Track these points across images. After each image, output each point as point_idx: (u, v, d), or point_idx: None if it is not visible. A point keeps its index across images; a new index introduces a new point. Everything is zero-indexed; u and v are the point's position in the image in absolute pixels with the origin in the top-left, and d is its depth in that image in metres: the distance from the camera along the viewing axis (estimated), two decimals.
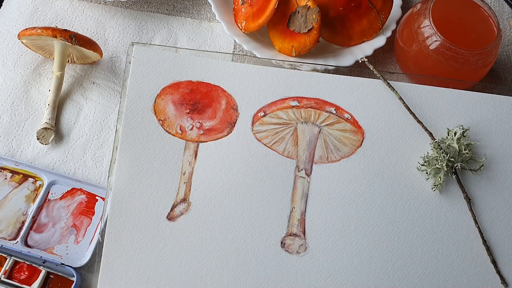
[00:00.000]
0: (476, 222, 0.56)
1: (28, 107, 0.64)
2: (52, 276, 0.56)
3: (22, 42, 0.64)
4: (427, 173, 0.57)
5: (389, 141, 0.58)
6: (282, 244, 0.54)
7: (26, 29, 0.62)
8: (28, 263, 0.55)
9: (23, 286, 0.55)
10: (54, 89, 0.62)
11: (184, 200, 0.55)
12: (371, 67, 0.61)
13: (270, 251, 0.54)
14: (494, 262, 0.56)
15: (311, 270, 0.54)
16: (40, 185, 0.59)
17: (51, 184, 0.59)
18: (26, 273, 0.55)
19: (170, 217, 0.54)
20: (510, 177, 0.58)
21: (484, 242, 0.56)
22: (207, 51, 0.62)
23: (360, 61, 0.64)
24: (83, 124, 0.63)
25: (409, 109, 0.59)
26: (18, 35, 0.63)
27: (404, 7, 0.71)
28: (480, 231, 0.56)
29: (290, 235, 0.54)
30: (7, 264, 0.55)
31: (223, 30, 0.68)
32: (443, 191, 0.57)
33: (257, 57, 0.64)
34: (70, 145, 0.62)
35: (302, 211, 0.55)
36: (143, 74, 0.58)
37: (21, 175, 0.59)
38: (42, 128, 0.61)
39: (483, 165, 0.58)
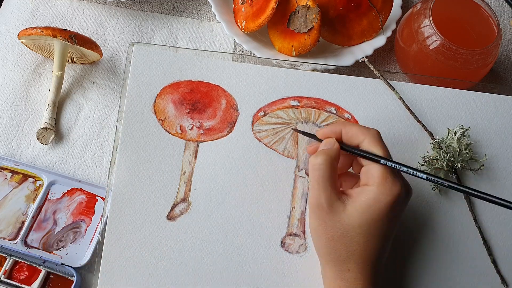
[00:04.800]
0: (476, 222, 0.56)
1: (28, 107, 0.64)
2: (52, 276, 0.56)
3: (22, 42, 0.64)
4: None
5: (389, 141, 0.58)
6: (282, 244, 0.54)
7: (26, 29, 0.62)
8: (28, 263, 0.55)
9: (23, 286, 0.55)
10: (54, 89, 0.62)
11: (184, 200, 0.55)
12: (371, 67, 0.61)
13: (270, 251, 0.54)
14: (494, 262, 0.55)
15: (311, 270, 0.53)
16: (40, 185, 0.59)
17: (51, 184, 0.59)
18: (26, 273, 0.55)
19: (170, 217, 0.54)
20: (510, 177, 0.58)
21: (484, 242, 0.56)
22: (207, 50, 0.62)
23: (360, 61, 0.64)
24: (83, 124, 0.63)
25: (409, 109, 0.59)
26: (18, 35, 0.63)
27: (404, 7, 0.71)
28: (480, 231, 0.56)
29: (290, 235, 0.54)
30: (7, 264, 0.55)
31: (223, 30, 0.68)
32: (443, 191, 0.57)
33: (257, 57, 0.64)
34: (70, 145, 0.62)
35: (302, 211, 0.55)
36: (143, 74, 0.58)
37: (21, 175, 0.59)
38: (42, 128, 0.61)
39: (483, 165, 0.58)
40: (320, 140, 0.51)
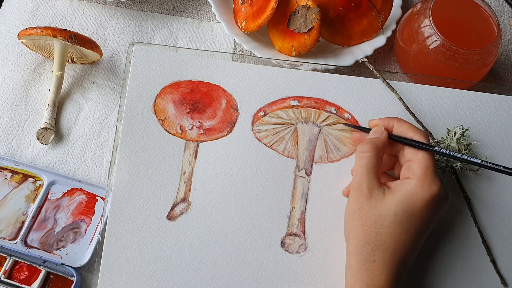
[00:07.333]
0: (476, 222, 0.56)
1: (28, 107, 0.64)
2: (52, 276, 0.56)
3: (22, 42, 0.64)
4: None
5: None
6: (282, 244, 0.54)
7: (26, 29, 0.62)
8: (28, 263, 0.55)
9: (23, 286, 0.55)
10: (54, 89, 0.62)
11: (184, 199, 0.55)
12: (371, 67, 0.61)
13: (270, 251, 0.54)
14: (494, 262, 0.56)
15: (311, 270, 0.54)
16: (40, 185, 0.59)
17: (51, 184, 0.59)
18: (26, 273, 0.55)
19: (170, 217, 0.54)
20: (510, 177, 0.58)
21: (484, 242, 0.56)
22: (207, 50, 0.62)
23: (360, 61, 0.64)
24: (83, 124, 0.63)
25: (408, 109, 0.59)
26: (18, 35, 0.63)
27: (404, 7, 0.71)
28: (480, 231, 0.56)
29: (290, 235, 0.54)
30: (7, 264, 0.55)
31: (223, 30, 0.68)
32: None
33: (257, 57, 0.64)
34: (70, 145, 0.62)
35: (302, 211, 0.55)
36: (143, 74, 0.58)
37: (21, 175, 0.59)
38: (42, 128, 0.61)
39: None
40: (369, 131, 0.53)
